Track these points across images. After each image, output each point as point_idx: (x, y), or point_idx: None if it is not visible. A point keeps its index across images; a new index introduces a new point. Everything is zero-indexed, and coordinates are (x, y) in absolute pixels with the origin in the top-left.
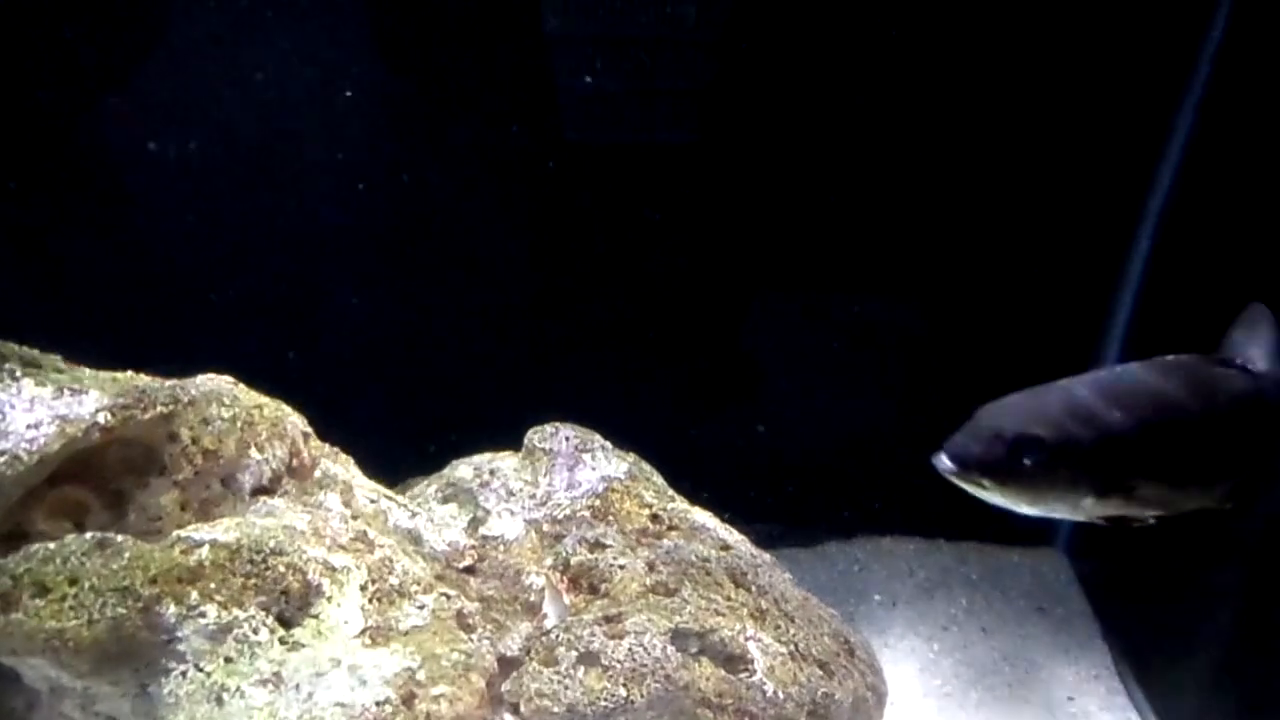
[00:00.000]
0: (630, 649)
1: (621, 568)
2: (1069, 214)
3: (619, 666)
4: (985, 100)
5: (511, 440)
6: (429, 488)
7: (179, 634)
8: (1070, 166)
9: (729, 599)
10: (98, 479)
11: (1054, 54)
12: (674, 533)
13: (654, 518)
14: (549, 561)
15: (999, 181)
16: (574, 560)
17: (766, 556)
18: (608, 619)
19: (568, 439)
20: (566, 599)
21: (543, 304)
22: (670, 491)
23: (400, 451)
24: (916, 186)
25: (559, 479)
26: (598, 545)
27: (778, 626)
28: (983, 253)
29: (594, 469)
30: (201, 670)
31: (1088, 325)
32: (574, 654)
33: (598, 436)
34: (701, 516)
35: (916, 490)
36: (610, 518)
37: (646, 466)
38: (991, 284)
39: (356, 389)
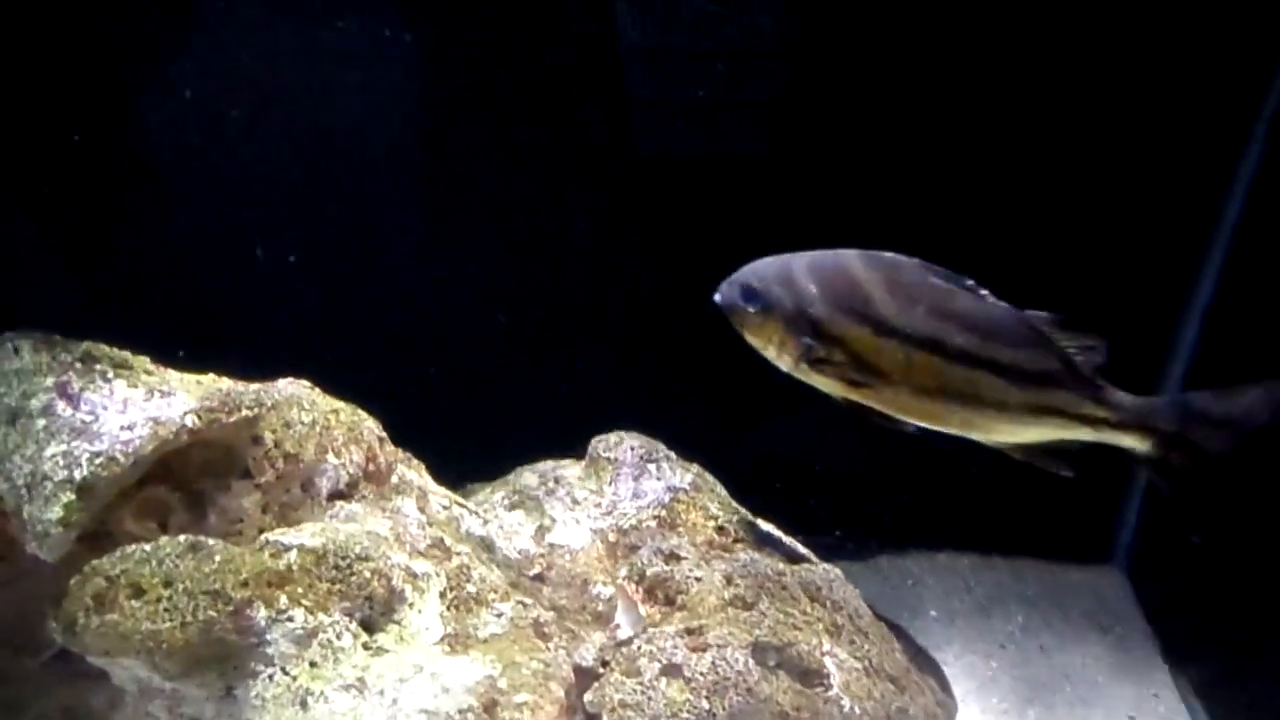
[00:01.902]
0: (713, 662)
1: (698, 580)
2: (1139, 229)
3: (702, 679)
4: (1056, 113)
5: (554, 447)
6: (494, 494)
7: (267, 637)
8: (1143, 182)
9: (805, 614)
10: (179, 480)
11: (1126, 72)
12: (740, 545)
13: (720, 529)
14: (623, 572)
15: (1068, 196)
16: (650, 571)
17: (837, 571)
18: (689, 631)
19: (633, 448)
20: (642, 610)
21: (602, 311)
22: (734, 503)
23: (456, 457)
24: (983, 200)
25: (624, 488)
26: (673, 557)
27: (852, 642)
28: (1048, 264)
29: (659, 479)
30: (287, 674)
31: (1155, 338)
32: (657, 665)
33: (662, 446)
34: (768, 528)
35: (971, 504)
36: (680, 529)
37: (710, 478)
38: (1055, 296)
39: (412, 392)
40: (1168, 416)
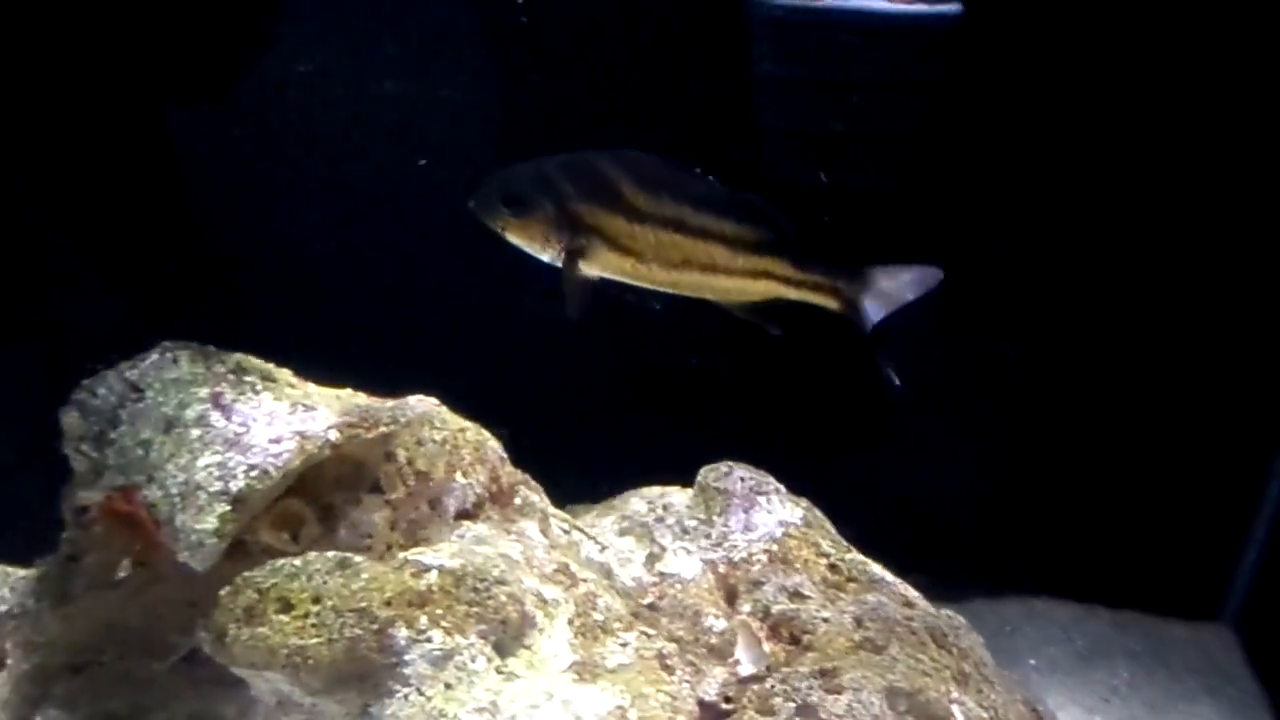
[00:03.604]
0: (849, 705)
1: (825, 620)
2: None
3: None
4: (1196, 151)
5: (642, 473)
6: (603, 519)
7: (405, 657)
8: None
9: (933, 659)
10: (312, 492)
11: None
12: (854, 585)
13: (832, 568)
14: (746, 608)
15: (1205, 231)
16: (775, 609)
17: (960, 618)
18: (823, 673)
19: (742, 479)
20: (766, 647)
21: (707, 341)
22: (844, 542)
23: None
24: (1116, 239)
25: (734, 520)
26: (797, 595)
27: (979, 690)
28: (1152, 312)
29: (770, 513)
30: (423, 694)
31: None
32: (791, 705)
33: (772, 479)
34: (878, 570)
35: (1070, 552)
36: (796, 566)
37: (819, 514)
38: (1158, 343)
39: (504, 412)
40: (849, 283)
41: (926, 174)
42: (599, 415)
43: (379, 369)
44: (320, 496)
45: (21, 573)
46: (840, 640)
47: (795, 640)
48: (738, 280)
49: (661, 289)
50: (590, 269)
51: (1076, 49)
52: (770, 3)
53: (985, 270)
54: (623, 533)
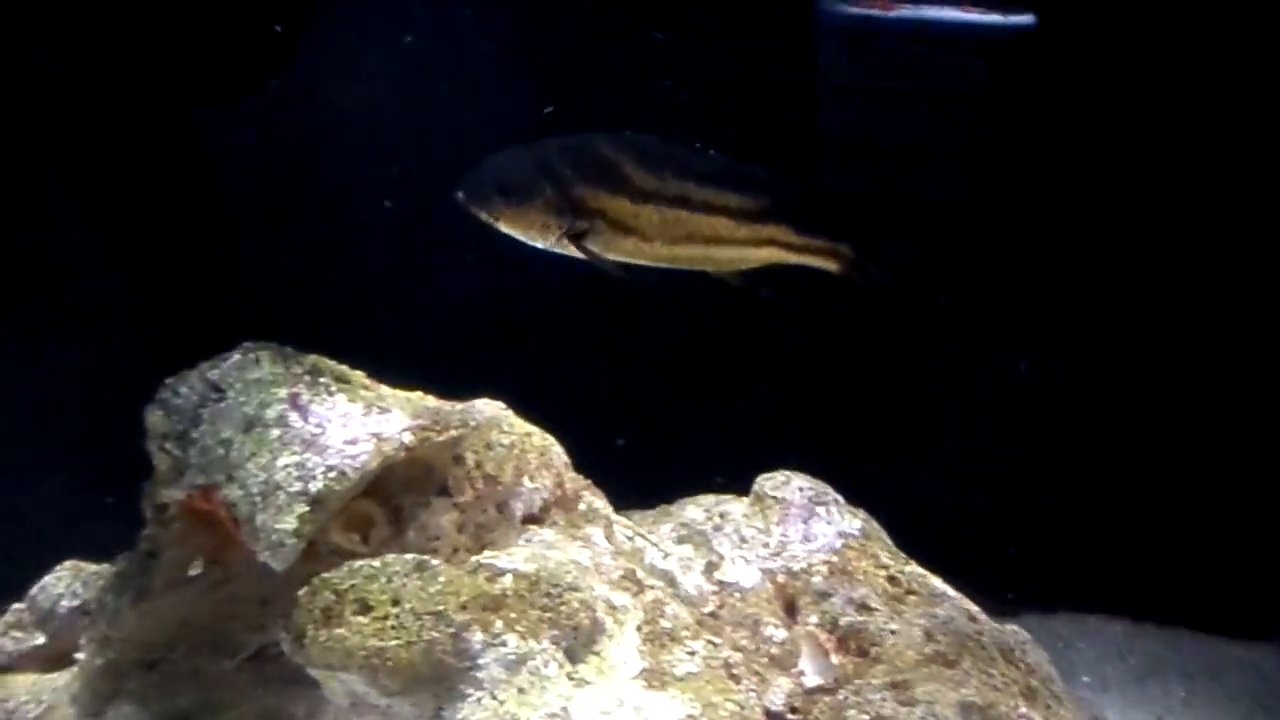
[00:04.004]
0: (923, 718)
1: (894, 633)
2: None
3: None
4: (1264, 161)
5: (692, 480)
6: (660, 526)
7: (480, 661)
8: None
9: (1003, 675)
10: (381, 494)
11: None
12: (913, 597)
13: (891, 580)
14: (813, 619)
15: (1248, 258)
16: (843, 621)
17: (1025, 633)
18: (895, 685)
19: (801, 489)
20: (834, 659)
21: (770, 349)
22: (902, 554)
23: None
24: (1158, 258)
25: (793, 530)
26: (864, 607)
27: (1048, 706)
28: (1213, 326)
29: (829, 523)
30: (496, 698)
31: None
32: (865, 717)
33: (830, 490)
34: (938, 583)
35: (1122, 568)
36: (860, 578)
37: (876, 525)
38: (1217, 358)
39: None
40: (848, 244)
41: (993, 185)
42: (639, 420)
43: (419, 370)
44: (390, 498)
45: (93, 568)
46: (910, 653)
47: (863, 653)
48: (740, 250)
49: (661, 265)
50: (589, 252)
51: (1149, 61)
52: (841, 12)
53: (1040, 282)
54: (681, 540)
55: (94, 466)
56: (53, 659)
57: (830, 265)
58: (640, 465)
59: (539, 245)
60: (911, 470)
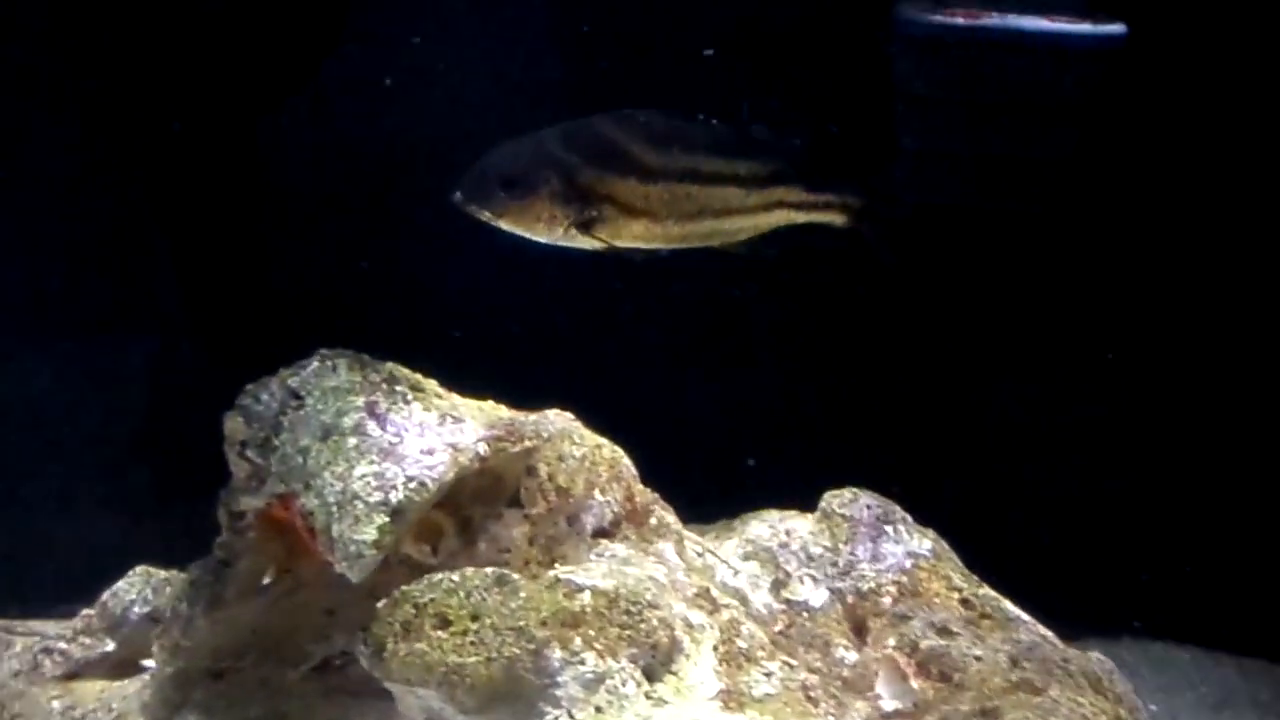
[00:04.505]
0: None
1: (977, 659)
2: None
3: None
4: None
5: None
6: (725, 542)
7: (558, 679)
8: None
9: (1093, 704)
10: (451, 504)
11: None
12: (988, 621)
13: (964, 603)
14: (891, 641)
15: None
16: (924, 644)
17: (1110, 661)
18: (984, 712)
19: (869, 507)
20: (914, 683)
21: (831, 362)
22: (974, 576)
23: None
24: (1241, 275)
25: (861, 549)
26: (945, 631)
27: None
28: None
29: (898, 543)
30: (573, 717)
31: None
32: None
33: (899, 508)
34: (1012, 607)
35: (1190, 594)
36: (936, 600)
37: (946, 545)
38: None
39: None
40: (855, 195)
41: (1078, 200)
42: (693, 434)
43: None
44: (459, 509)
45: (163, 574)
46: (995, 680)
47: (945, 678)
48: (751, 217)
49: (672, 245)
50: (598, 240)
51: (1243, 75)
52: (923, 20)
53: (1112, 297)
54: (747, 557)
55: (149, 471)
56: (120, 666)
57: (839, 219)
58: (691, 479)
59: (544, 240)
60: (969, 490)
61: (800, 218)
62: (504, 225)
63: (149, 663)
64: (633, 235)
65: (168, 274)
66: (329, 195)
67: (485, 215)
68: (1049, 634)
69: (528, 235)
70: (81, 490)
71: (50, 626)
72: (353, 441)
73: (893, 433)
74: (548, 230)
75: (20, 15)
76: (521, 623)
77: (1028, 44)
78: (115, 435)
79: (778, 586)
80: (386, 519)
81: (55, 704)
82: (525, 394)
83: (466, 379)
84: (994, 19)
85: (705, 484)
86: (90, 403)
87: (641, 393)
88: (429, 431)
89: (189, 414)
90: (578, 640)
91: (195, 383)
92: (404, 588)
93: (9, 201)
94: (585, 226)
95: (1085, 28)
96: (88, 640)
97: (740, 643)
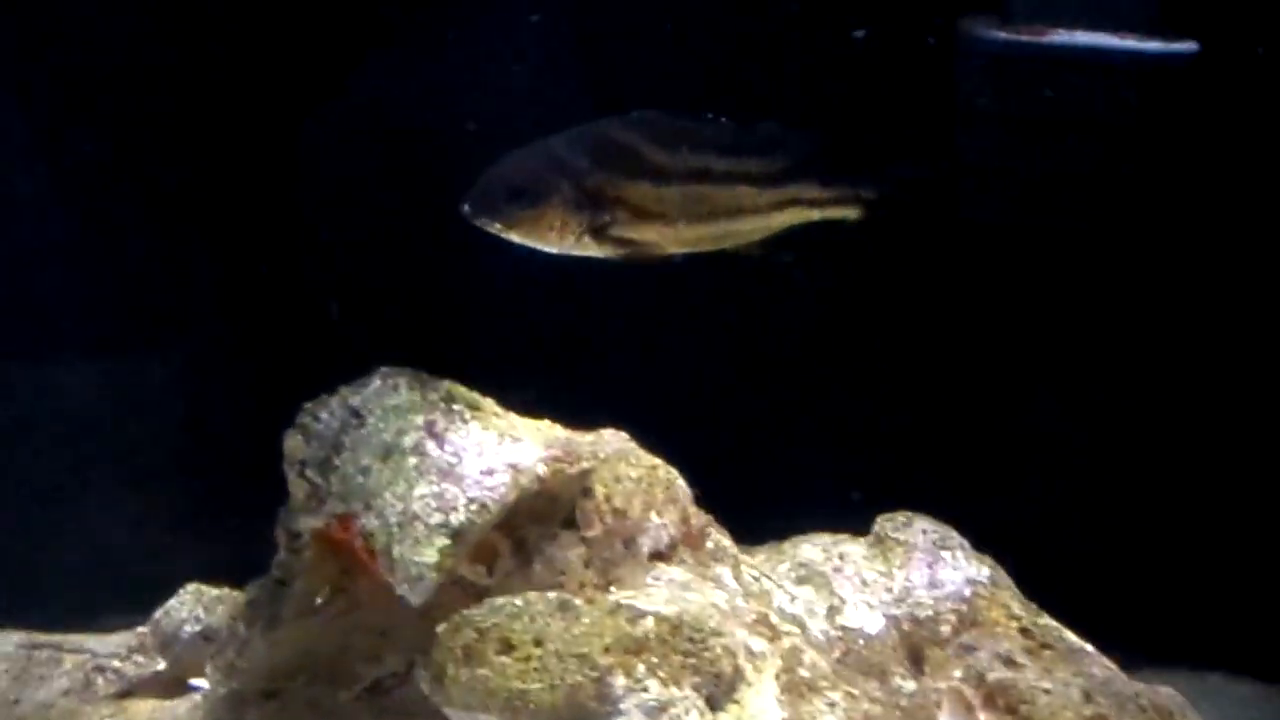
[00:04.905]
0: None
1: (1046, 691)
2: None
3: None
4: None
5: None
6: (776, 565)
7: (621, 706)
8: None
9: None
10: (507, 525)
11: None
12: (1049, 652)
13: (1024, 631)
14: (958, 673)
15: None
16: (991, 677)
17: (1180, 695)
18: None
19: (925, 532)
20: (981, 716)
21: (882, 378)
22: (1033, 605)
23: None
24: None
25: (917, 575)
26: (1011, 662)
27: None
28: None
29: (956, 569)
30: None
31: None
32: None
33: (955, 534)
34: (1074, 637)
35: (1244, 624)
36: (999, 630)
37: (1004, 573)
38: None
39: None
40: (868, 187)
41: (1146, 221)
42: (730, 451)
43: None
44: (515, 529)
45: (214, 592)
46: (1067, 714)
47: (1013, 710)
48: (764, 217)
49: (686, 249)
50: (609, 246)
51: None
52: (989, 37)
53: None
54: (800, 581)
55: (188, 485)
56: (171, 685)
57: (852, 212)
58: (735, 497)
59: (556, 249)
60: (1017, 516)
61: (814, 215)
62: (515, 237)
63: (197, 682)
64: (644, 240)
65: (207, 285)
66: (365, 205)
67: (496, 227)
68: (1114, 667)
69: (540, 246)
70: (121, 504)
71: (93, 642)
72: (412, 461)
73: (931, 449)
74: (560, 239)
75: (62, 24)
76: (585, 649)
77: (1098, 61)
78: (154, 449)
79: (833, 613)
80: (448, 541)
81: None
82: (559, 407)
83: (507, 390)
84: (1061, 35)
85: (742, 498)
86: (133, 416)
87: (675, 404)
88: (488, 451)
89: (229, 428)
90: (641, 668)
91: (236, 396)
92: (465, 612)
93: (50, 214)
94: (598, 233)
95: (1155, 45)
96: (141, 659)
97: (802, 671)
